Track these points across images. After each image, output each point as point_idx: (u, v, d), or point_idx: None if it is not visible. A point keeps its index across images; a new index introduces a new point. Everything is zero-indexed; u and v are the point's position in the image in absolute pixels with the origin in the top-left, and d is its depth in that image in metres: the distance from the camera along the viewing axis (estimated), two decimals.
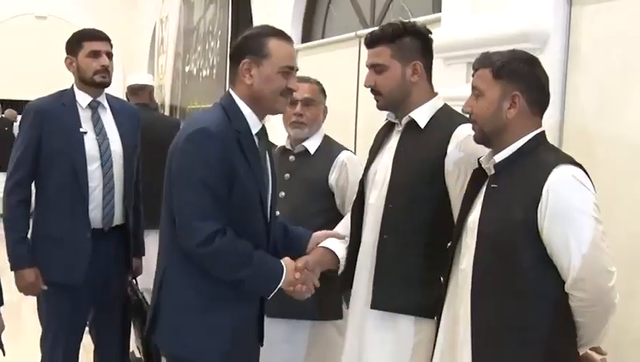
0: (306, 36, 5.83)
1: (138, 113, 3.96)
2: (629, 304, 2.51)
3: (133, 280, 3.95)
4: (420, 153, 2.54)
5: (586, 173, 2.16)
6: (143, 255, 4.00)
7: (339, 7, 5.57)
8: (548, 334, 2.14)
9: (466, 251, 2.29)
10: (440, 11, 3.75)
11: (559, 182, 2.09)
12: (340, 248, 2.78)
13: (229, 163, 2.44)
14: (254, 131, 2.56)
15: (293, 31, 5.72)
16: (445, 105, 2.67)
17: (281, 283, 2.52)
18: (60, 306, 3.53)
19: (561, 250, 2.09)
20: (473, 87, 2.31)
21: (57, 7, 12.68)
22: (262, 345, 2.75)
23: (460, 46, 3.39)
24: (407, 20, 2.66)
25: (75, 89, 3.63)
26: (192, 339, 2.51)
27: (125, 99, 5.52)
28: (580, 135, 2.95)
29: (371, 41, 2.64)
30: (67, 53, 3.65)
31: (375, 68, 2.61)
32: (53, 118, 3.51)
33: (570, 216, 2.07)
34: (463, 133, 2.51)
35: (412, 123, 2.60)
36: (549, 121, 2.92)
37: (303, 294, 2.60)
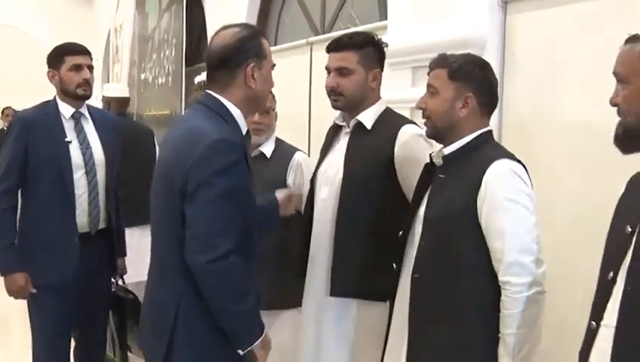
0: None
1: (116, 122, 4.13)
2: (569, 287, 2.67)
3: (121, 280, 4.19)
4: (369, 151, 2.73)
5: (525, 169, 2.30)
6: (125, 255, 4.17)
7: (290, 14, 5.67)
8: (483, 317, 2.24)
9: (416, 239, 2.44)
10: (386, 19, 3.88)
11: (497, 173, 2.23)
12: None
13: (246, 172, 2.38)
14: (243, 132, 2.48)
15: None
16: (388, 108, 2.86)
17: (259, 341, 2.39)
18: (49, 308, 3.64)
19: (494, 237, 2.21)
20: (429, 85, 2.43)
21: (10, 16, 12.57)
22: None
23: (404, 52, 3.53)
24: (369, 32, 2.84)
25: (58, 100, 3.76)
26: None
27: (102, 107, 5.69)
28: (518, 133, 3.12)
29: (339, 46, 2.81)
30: (49, 67, 3.78)
31: (341, 71, 2.78)
32: (39, 128, 3.65)
33: (503, 204, 2.20)
34: (408, 132, 2.73)
35: (359, 125, 2.79)
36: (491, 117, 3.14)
37: None
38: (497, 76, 3.15)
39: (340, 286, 2.76)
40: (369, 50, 2.81)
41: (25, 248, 3.67)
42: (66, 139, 3.68)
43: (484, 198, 2.23)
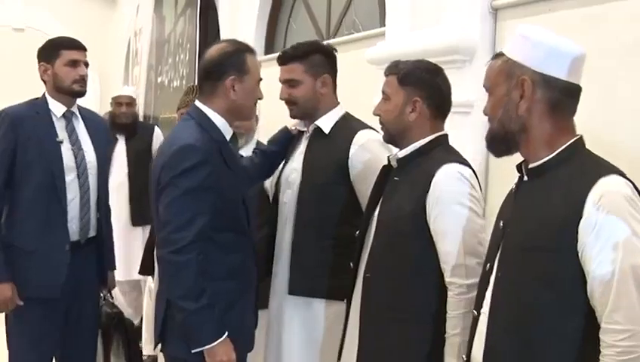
0: (269, 48, 6.03)
1: (106, 123, 3.96)
2: None
3: (109, 295, 3.90)
4: (326, 156, 2.82)
5: (475, 173, 2.39)
6: (115, 268, 3.93)
7: (298, 20, 5.76)
8: (430, 318, 2.33)
9: (371, 239, 2.52)
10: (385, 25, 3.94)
11: (445, 176, 2.32)
12: None
13: (213, 174, 2.53)
14: (228, 138, 2.68)
15: (257, 43, 5.86)
16: (346, 113, 2.96)
17: (213, 344, 2.49)
18: (34, 321, 3.38)
19: (442, 239, 2.30)
20: (382, 92, 2.54)
21: (35, 20, 12.67)
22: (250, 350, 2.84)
23: (400, 58, 3.57)
24: (315, 40, 2.92)
25: (48, 98, 3.52)
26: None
27: (112, 110, 5.82)
28: None
29: (284, 59, 2.91)
30: (41, 61, 3.54)
31: (290, 82, 2.88)
32: (29, 126, 3.39)
33: (451, 207, 2.28)
34: (364, 137, 2.81)
35: (318, 130, 2.88)
36: (479, 122, 3.20)
37: None
38: None
39: (297, 285, 2.86)
40: (315, 58, 2.90)
41: (10, 257, 3.37)
42: (58, 140, 3.43)
43: (432, 201, 2.31)
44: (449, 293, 2.28)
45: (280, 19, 6.04)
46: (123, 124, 5.70)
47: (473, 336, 2.07)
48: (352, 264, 2.63)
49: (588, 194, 1.77)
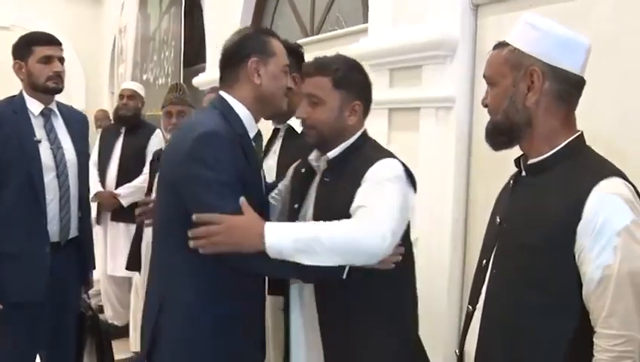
0: None
1: (86, 120, 3.83)
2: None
3: (86, 295, 3.85)
4: (298, 153, 2.74)
5: (406, 168, 2.33)
6: (94, 268, 3.87)
7: (283, 16, 5.78)
8: (385, 310, 2.32)
9: None
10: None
11: (379, 165, 2.26)
12: None
13: (238, 166, 2.27)
14: (251, 135, 2.42)
15: None
16: None
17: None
18: (16, 323, 3.29)
19: (362, 201, 2.20)
20: (310, 95, 2.40)
21: (21, 18, 12.66)
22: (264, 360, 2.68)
23: (383, 54, 3.61)
24: (284, 39, 2.89)
25: (25, 96, 3.44)
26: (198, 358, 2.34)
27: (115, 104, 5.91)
28: None
29: None
30: (15, 58, 3.45)
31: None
32: (5, 125, 3.30)
33: (380, 183, 2.20)
34: None
35: (290, 128, 2.91)
36: (461, 116, 3.23)
37: None
38: (468, 78, 3.30)
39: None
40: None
41: None
42: (35, 138, 3.33)
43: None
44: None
45: (265, 15, 6.05)
46: (124, 117, 5.70)
47: (467, 331, 2.07)
48: None
49: (588, 196, 1.73)
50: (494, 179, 3.08)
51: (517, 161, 2.04)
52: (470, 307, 2.06)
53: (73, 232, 3.49)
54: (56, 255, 3.35)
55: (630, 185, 1.80)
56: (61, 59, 3.48)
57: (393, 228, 2.11)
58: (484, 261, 2.02)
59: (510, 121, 1.92)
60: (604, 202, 1.72)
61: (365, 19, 4.14)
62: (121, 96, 5.88)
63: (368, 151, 2.37)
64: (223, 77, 2.46)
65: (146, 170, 5.29)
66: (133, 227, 4.73)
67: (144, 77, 8.55)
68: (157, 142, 5.61)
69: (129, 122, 5.71)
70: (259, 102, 2.41)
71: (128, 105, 5.76)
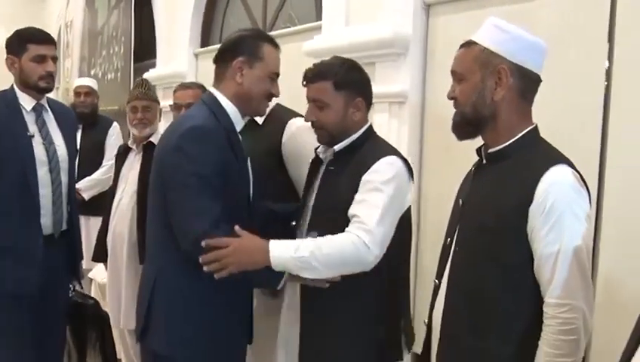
0: (205, 41, 6.06)
1: (75, 116, 3.93)
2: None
3: (79, 285, 3.88)
4: (259, 145, 2.84)
5: (406, 162, 2.51)
6: (82, 258, 3.92)
7: (234, 14, 5.82)
8: (372, 298, 2.51)
9: (305, 228, 2.63)
10: (322, 19, 4.07)
11: (380, 163, 2.44)
12: None
13: (222, 159, 2.41)
14: (238, 129, 2.55)
15: (193, 35, 5.97)
16: (278, 104, 3.03)
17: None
18: (7, 313, 3.34)
19: (359, 205, 2.41)
20: (314, 100, 2.58)
21: None
22: (250, 343, 2.78)
23: (337, 51, 3.67)
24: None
25: (17, 91, 3.46)
26: (189, 336, 2.48)
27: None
28: (439, 126, 3.29)
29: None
30: (8, 53, 3.45)
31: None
32: (0, 120, 3.33)
33: (377, 186, 2.40)
34: (295, 125, 2.93)
35: (252, 120, 2.93)
36: (413, 110, 3.36)
37: None
38: (420, 74, 3.43)
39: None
40: None
41: None
42: (29, 133, 3.37)
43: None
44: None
45: (216, 12, 6.08)
46: (82, 114, 5.66)
47: (434, 303, 2.26)
48: None
49: (539, 181, 1.93)
50: (445, 170, 3.25)
51: (478, 150, 2.22)
52: (437, 281, 2.26)
53: (65, 225, 3.55)
54: (49, 247, 3.41)
55: (576, 172, 1.99)
56: (54, 59, 3.51)
57: (381, 239, 2.35)
58: (449, 239, 2.22)
59: (478, 113, 2.09)
60: (553, 186, 1.92)
61: (318, 17, 4.24)
62: (77, 94, 5.88)
63: (372, 146, 2.56)
64: (215, 72, 2.63)
65: (106, 162, 5.49)
66: (94, 220, 4.83)
67: (92, 72, 8.49)
68: (115, 134, 5.71)
69: (87, 119, 5.72)
70: (238, 99, 2.55)
71: (86, 102, 5.81)
